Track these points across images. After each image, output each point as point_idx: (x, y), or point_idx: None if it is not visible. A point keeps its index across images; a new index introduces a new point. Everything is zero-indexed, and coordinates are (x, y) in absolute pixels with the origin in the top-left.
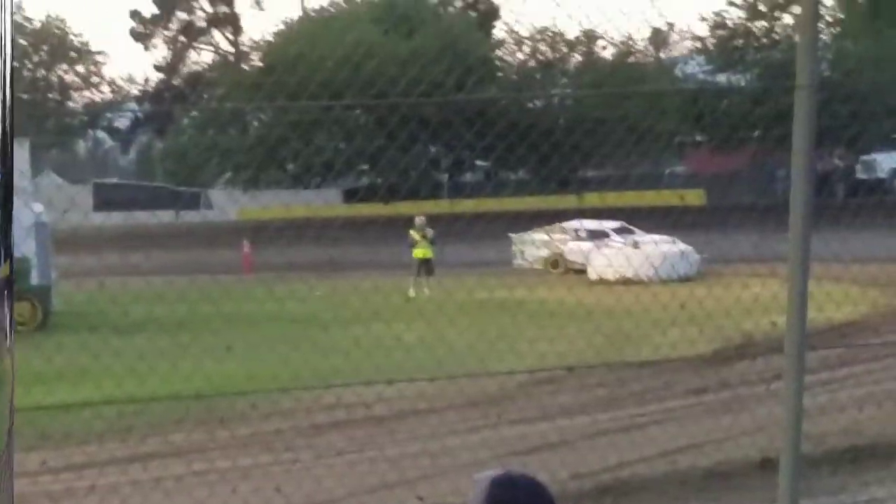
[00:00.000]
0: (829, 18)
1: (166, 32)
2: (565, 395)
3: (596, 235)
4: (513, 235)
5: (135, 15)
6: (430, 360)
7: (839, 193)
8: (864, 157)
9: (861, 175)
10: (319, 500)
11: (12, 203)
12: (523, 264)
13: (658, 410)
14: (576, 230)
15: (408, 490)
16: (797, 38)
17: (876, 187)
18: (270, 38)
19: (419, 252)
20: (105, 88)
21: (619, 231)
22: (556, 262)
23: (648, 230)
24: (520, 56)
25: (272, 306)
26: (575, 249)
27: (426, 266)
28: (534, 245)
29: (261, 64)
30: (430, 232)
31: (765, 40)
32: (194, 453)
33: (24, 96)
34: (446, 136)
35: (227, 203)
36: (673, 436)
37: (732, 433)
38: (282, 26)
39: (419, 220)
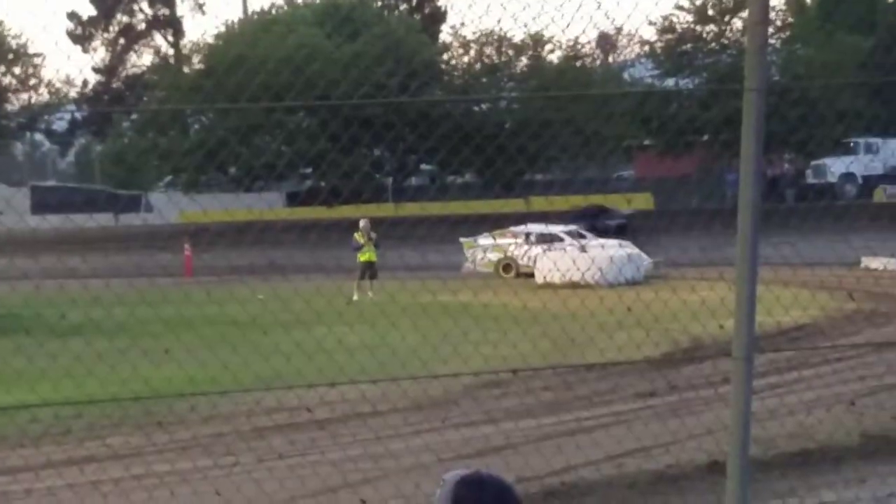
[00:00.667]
0: (778, 23)
1: (105, 35)
2: (510, 399)
3: (547, 239)
4: (463, 240)
5: (73, 16)
6: (372, 362)
7: (789, 198)
8: (815, 162)
9: (811, 180)
10: None
11: None
12: (473, 268)
13: (605, 414)
14: (527, 234)
15: (350, 494)
16: (746, 41)
17: (825, 192)
18: (211, 41)
19: (364, 255)
20: (43, 90)
21: (571, 235)
22: (507, 265)
23: (599, 234)
24: (465, 60)
25: (212, 309)
26: (527, 253)
27: (371, 269)
28: (483, 249)
29: (201, 66)
30: (373, 235)
31: (714, 45)
32: (132, 457)
33: None
34: (390, 139)
35: (167, 206)
36: (620, 439)
37: (680, 437)
38: (222, 28)
39: (364, 223)
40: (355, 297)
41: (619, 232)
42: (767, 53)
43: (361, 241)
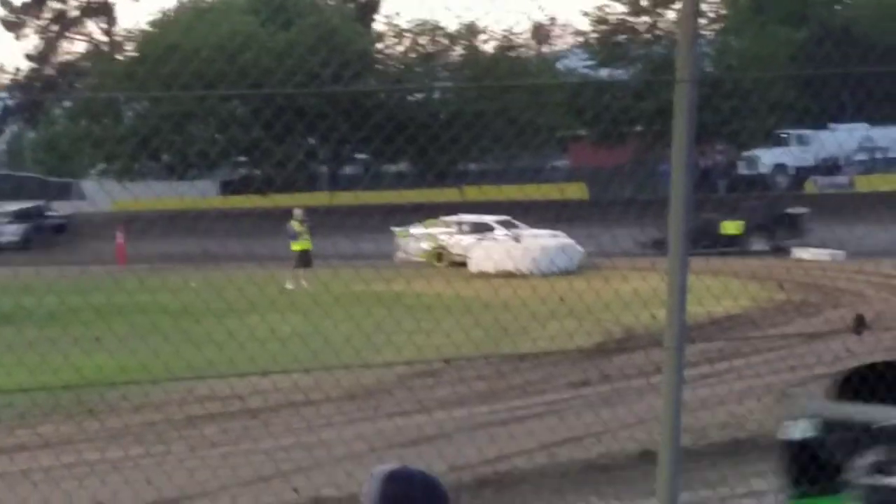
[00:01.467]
0: (711, 14)
1: (38, 21)
2: (443, 389)
3: (479, 229)
4: (395, 229)
5: (5, 3)
6: (305, 351)
7: (721, 188)
8: (747, 153)
9: (743, 171)
10: (192, 493)
11: None
12: (406, 257)
13: (538, 403)
14: (459, 223)
15: (283, 483)
16: (678, 32)
17: (757, 183)
18: (145, 28)
19: (299, 244)
20: None
21: (503, 224)
22: (439, 255)
23: (531, 224)
24: (400, 49)
25: (145, 298)
26: (459, 242)
27: (305, 258)
28: (416, 238)
29: (135, 54)
30: (307, 224)
31: (647, 36)
32: (63, 445)
33: None
34: (324, 128)
35: (99, 194)
36: (552, 429)
37: (612, 426)
38: (156, 16)
39: (298, 211)
40: (289, 286)
41: (59, 231)
42: (700, 45)
43: (296, 229)
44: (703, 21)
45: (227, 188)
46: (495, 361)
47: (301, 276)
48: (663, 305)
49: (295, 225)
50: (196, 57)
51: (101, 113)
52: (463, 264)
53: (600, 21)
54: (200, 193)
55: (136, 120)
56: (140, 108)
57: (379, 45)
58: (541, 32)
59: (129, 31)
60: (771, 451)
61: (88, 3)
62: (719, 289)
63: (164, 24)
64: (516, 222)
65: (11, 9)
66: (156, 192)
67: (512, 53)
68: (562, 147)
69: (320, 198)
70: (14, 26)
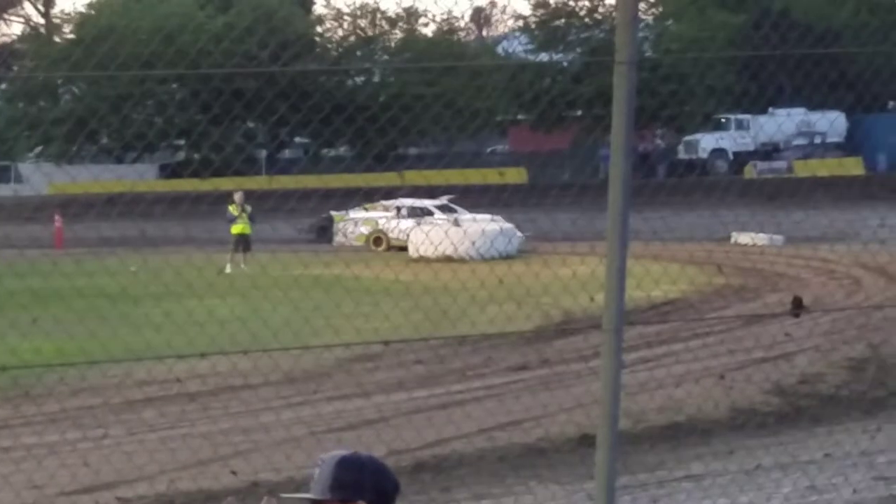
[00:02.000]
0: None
1: None
2: (383, 372)
3: (418, 213)
4: (334, 213)
5: None
6: (244, 334)
7: (660, 173)
8: (687, 138)
9: (683, 155)
10: (130, 477)
11: None
12: (344, 242)
13: (477, 387)
14: (398, 207)
15: (221, 466)
16: (617, 15)
17: (697, 167)
18: (83, 10)
19: (238, 228)
20: None
21: (442, 209)
22: (378, 239)
23: (471, 208)
24: (339, 32)
25: (83, 281)
26: (397, 226)
27: (244, 242)
28: (355, 222)
29: (72, 36)
30: (248, 208)
31: (587, 20)
32: (0, 429)
33: None
34: (262, 111)
35: (37, 176)
36: (492, 412)
37: (551, 410)
38: None
39: (238, 195)
40: (228, 270)
41: None
42: (639, 29)
43: (235, 213)
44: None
45: (166, 171)
46: (435, 345)
47: (241, 261)
48: (602, 289)
49: (233, 209)
50: (133, 39)
51: (37, 95)
52: (402, 248)
53: (540, 5)
54: (139, 176)
55: (74, 102)
56: (77, 91)
57: (319, 29)
58: (481, 16)
59: (67, 14)
60: (708, 433)
61: None
62: (659, 272)
63: (101, 6)
64: (455, 207)
65: None
66: (94, 175)
67: (452, 37)
68: (501, 131)
69: (259, 181)
70: None
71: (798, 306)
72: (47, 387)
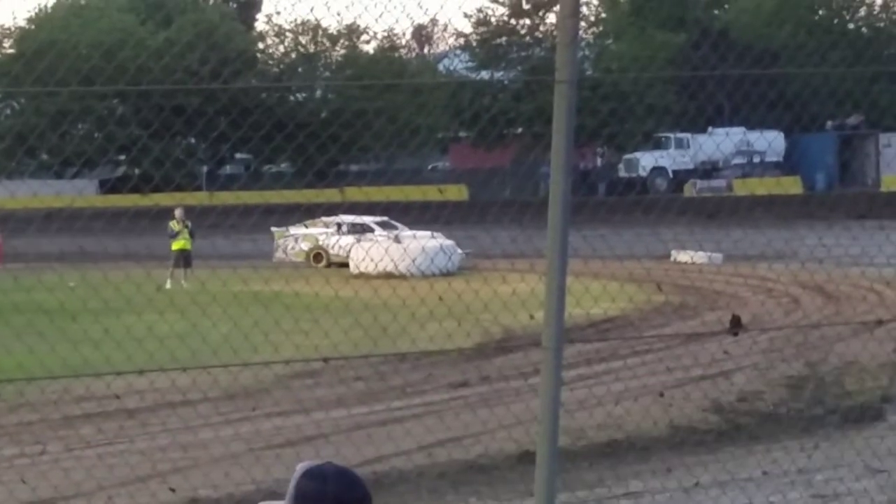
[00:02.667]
0: (592, 18)
1: None
2: (322, 389)
3: (358, 229)
4: (274, 229)
5: None
6: (183, 351)
7: (600, 191)
8: (627, 156)
9: (623, 173)
10: (68, 493)
11: None
12: (284, 258)
13: (417, 404)
14: (338, 224)
15: (160, 483)
16: (558, 34)
17: (637, 185)
18: (23, 24)
19: (178, 244)
20: None
21: (382, 225)
22: (318, 255)
23: (411, 225)
24: (281, 49)
25: (20, 296)
26: (337, 243)
27: (185, 258)
28: (295, 239)
29: (12, 51)
30: (188, 223)
31: (528, 38)
32: None
33: None
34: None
35: None
36: (431, 429)
37: (491, 427)
38: (34, 12)
39: (178, 211)
40: (168, 285)
41: None
42: (580, 48)
43: (176, 228)
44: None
45: (105, 186)
46: (374, 362)
47: (181, 277)
48: (542, 306)
49: (174, 224)
50: (73, 54)
51: None
52: (342, 265)
53: (481, 23)
54: (78, 192)
55: (13, 117)
56: (17, 106)
57: (260, 45)
58: (422, 33)
59: (6, 28)
60: (647, 451)
61: None
62: (598, 290)
63: (41, 21)
64: (395, 223)
65: None
66: (32, 190)
67: (393, 54)
68: (442, 148)
69: (199, 197)
70: None
71: (737, 324)
72: None
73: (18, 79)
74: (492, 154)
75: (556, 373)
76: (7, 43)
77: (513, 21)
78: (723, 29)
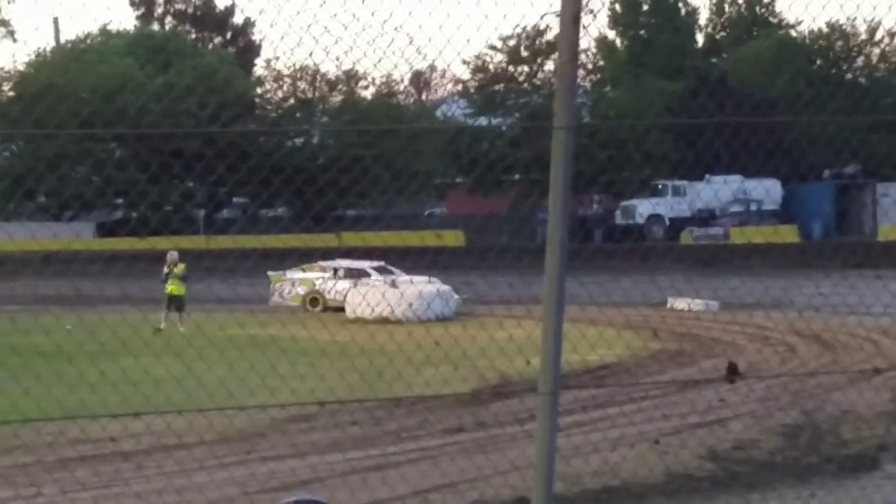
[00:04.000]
0: (589, 65)
1: None
2: (318, 433)
3: (355, 274)
4: (271, 273)
5: None
6: (179, 394)
7: (597, 237)
8: (624, 203)
9: (620, 220)
10: None
11: None
12: (281, 302)
13: (413, 449)
14: (335, 269)
15: None
16: (556, 81)
17: (633, 232)
18: (22, 68)
19: (170, 287)
20: None
21: (378, 270)
22: (314, 299)
23: (408, 270)
24: (279, 94)
25: (17, 338)
26: (334, 287)
27: (177, 302)
28: (291, 283)
29: (12, 94)
30: (181, 267)
31: (526, 85)
32: None
33: None
34: (201, 170)
35: None
36: (427, 474)
37: (486, 472)
38: (34, 56)
39: (171, 255)
40: (162, 326)
41: None
42: (578, 94)
43: (166, 272)
44: (580, 72)
45: (103, 229)
46: (370, 406)
47: (176, 320)
48: (538, 352)
49: (166, 268)
50: (73, 97)
51: None
52: (339, 309)
53: (479, 69)
54: (75, 234)
55: (12, 160)
56: (16, 148)
57: (258, 90)
58: (420, 79)
59: (6, 71)
60: (642, 498)
61: None
62: (595, 336)
63: (41, 64)
64: (392, 268)
65: None
66: (30, 232)
67: (391, 100)
68: (439, 194)
69: (196, 241)
70: None
71: (733, 372)
72: None
73: (17, 122)
74: (488, 200)
75: (553, 419)
76: (6, 86)
77: (511, 68)
78: (720, 77)
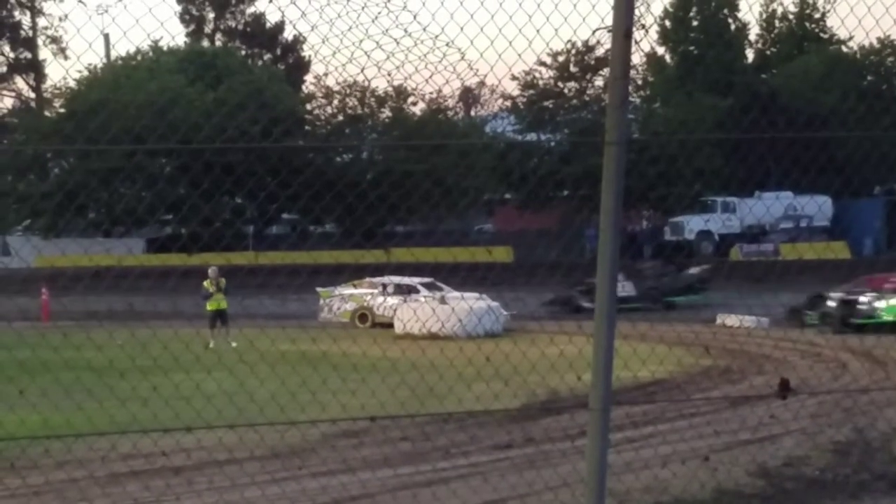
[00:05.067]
0: (639, 81)
1: None
2: (368, 448)
3: (404, 290)
4: (320, 289)
5: None
6: (230, 409)
7: (646, 253)
8: (673, 219)
9: (669, 236)
10: None
11: None
12: (330, 318)
13: (463, 465)
14: (384, 285)
15: None
16: (607, 96)
17: (683, 249)
18: (73, 85)
19: (213, 304)
20: None
21: (427, 286)
22: (363, 315)
23: (457, 286)
24: (329, 110)
25: (69, 353)
26: (383, 303)
27: (221, 317)
28: (341, 299)
29: (63, 110)
30: (222, 282)
31: (575, 101)
32: None
33: None
34: (251, 186)
35: (26, 249)
36: (477, 490)
37: (537, 488)
38: (85, 72)
39: (212, 270)
40: (212, 345)
41: None
42: (627, 110)
43: (210, 289)
44: (630, 87)
45: (154, 245)
46: (420, 421)
47: (225, 335)
48: (589, 368)
49: (208, 284)
50: (124, 113)
51: (27, 168)
52: (387, 325)
53: (528, 85)
54: (127, 250)
55: (63, 176)
56: (67, 165)
57: (308, 106)
58: (469, 95)
59: (58, 88)
60: None
61: (17, 58)
62: (646, 352)
63: (91, 81)
64: (441, 284)
65: None
66: (82, 248)
67: (440, 115)
68: (488, 210)
69: (247, 257)
70: None
71: (784, 388)
72: (32, 459)
73: (69, 138)
74: (537, 216)
75: (604, 434)
76: (58, 102)
77: (560, 84)
78: (771, 93)
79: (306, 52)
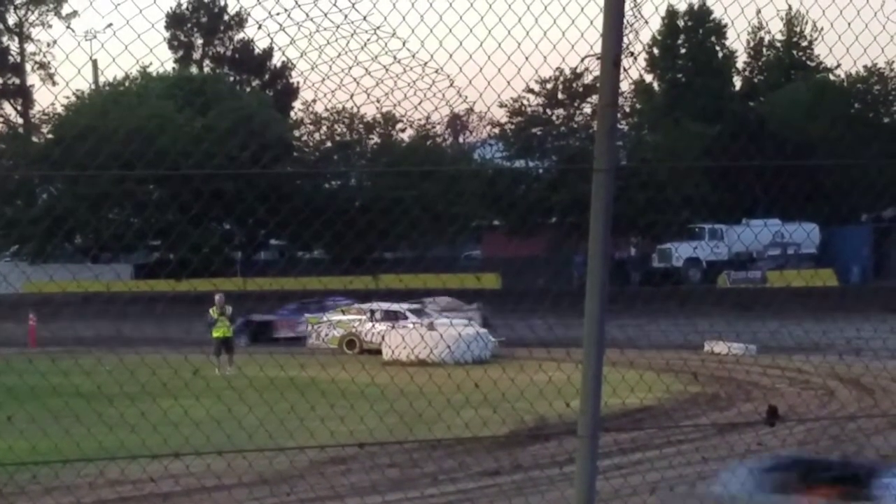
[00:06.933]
0: (626, 109)
1: None
2: (356, 475)
3: (392, 316)
4: (308, 315)
5: None
6: (219, 435)
7: (634, 280)
8: (661, 246)
9: (657, 263)
10: None
11: None
12: (318, 344)
13: (451, 491)
14: (372, 311)
15: None
16: (596, 123)
17: (671, 276)
18: (61, 110)
19: (219, 331)
20: None
21: (415, 312)
22: (351, 341)
23: (444, 312)
24: (317, 136)
25: (57, 379)
26: (371, 329)
27: (226, 345)
28: (329, 325)
29: (51, 136)
30: (228, 310)
31: (563, 128)
32: None
33: None
34: (240, 213)
35: (14, 274)
36: None
37: None
38: (73, 98)
39: (218, 297)
40: (217, 372)
41: None
42: (616, 137)
43: (216, 316)
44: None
45: (142, 271)
46: (408, 448)
47: (226, 362)
48: (578, 394)
49: (213, 311)
50: (113, 139)
51: (14, 194)
52: (375, 352)
53: (516, 112)
54: (115, 276)
55: (51, 201)
56: (55, 190)
57: (297, 132)
58: (457, 122)
59: (46, 114)
60: None
61: (5, 84)
62: (634, 379)
63: (80, 107)
64: (429, 310)
65: None
66: (70, 274)
67: (428, 142)
68: (476, 237)
69: (235, 283)
70: None
71: (772, 415)
72: (19, 485)
73: (57, 163)
74: (525, 243)
75: (592, 461)
76: (45, 128)
77: (548, 111)
78: (759, 120)
79: (295, 78)
